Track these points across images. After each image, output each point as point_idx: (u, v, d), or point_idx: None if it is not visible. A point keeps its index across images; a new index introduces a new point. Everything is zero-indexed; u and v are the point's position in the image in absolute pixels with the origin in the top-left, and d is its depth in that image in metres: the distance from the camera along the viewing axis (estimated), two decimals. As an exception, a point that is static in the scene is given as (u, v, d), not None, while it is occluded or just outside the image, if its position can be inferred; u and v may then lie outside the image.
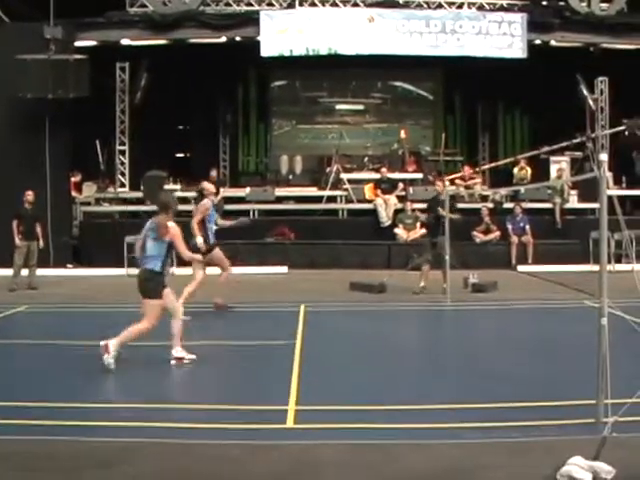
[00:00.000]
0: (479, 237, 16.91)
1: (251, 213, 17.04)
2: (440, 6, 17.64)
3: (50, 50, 15.56)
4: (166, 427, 5.31)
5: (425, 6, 17.62)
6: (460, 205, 15.38)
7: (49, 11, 15.37)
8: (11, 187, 14.59)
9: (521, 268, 16.00)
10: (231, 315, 10.61)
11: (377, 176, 18.37)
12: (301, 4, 17.47)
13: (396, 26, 17.34)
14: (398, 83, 23.20)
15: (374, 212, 17.58)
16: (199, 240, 10.11)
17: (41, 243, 13.81)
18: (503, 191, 17.74)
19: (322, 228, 17.23)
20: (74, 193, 17.85)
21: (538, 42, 17.65)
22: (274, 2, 17.42)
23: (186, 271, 10.27)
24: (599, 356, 5.16)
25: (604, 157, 5.48)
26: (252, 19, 17.16)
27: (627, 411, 4.96)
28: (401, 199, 17.70)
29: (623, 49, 17.52)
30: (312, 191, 18.79)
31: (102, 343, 7.09)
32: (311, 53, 17.57)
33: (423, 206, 15.01)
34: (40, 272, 13.91)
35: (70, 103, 15.66)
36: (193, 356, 7.44)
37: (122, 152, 18.49)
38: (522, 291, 12.83)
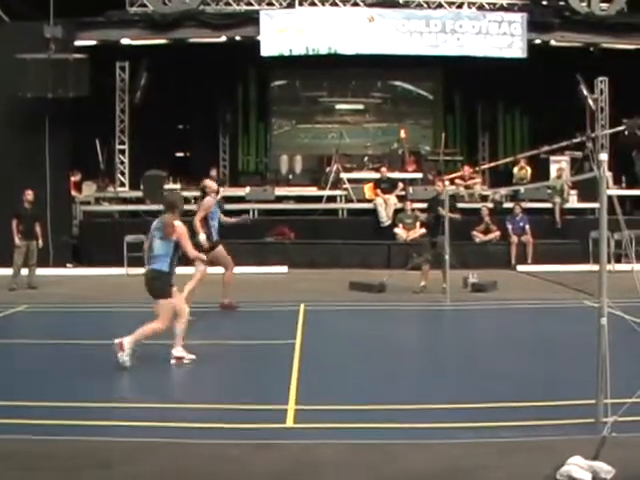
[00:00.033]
0: (479, 237, 16.92)
1: (251, 213, 17.02)
2: (440, 6, 17.63)
3: (50, 49, 15.56)
4: (166, 427, 5.31)
5: (425, 6, 17.61)
6: (460, 205, 15.37)
7: (49, 10, 15.37)
8: (11, 186, 14.57)
9: (521, 268, 16.00)
10: (231, 315, 10.61)
11: (377, 176, 18.37)
12: (301, 4, 17.46)
13: (396, 26, 17.34)
14: (398, 83, 23.20)
15: (374, 212, 17.58)
16: (202, 237, 10.11)
17: (40, 242, 13.80)
18: (503, 191, 17.74)
19: (322, 228, 17.23)
20: (74, 192, 17.85)
21: (538, 42, 17.65)
22: (274, 2, 17.41)
23: (188, 270, 10.25)
24: (599, 356, 5.16)
25: (604, 157, 5.48)
26: (252, 19, 17.16)
27: (627, 411, 4.97)
28: (401, 199, 17.70)
29: (623, 49, 17.52)
30: (312, 191, 18.79)
31: (116, 341, 7.08)
32: (311, 53, 17.57)
33: (423, 206, 15.01)
34: (40, 271, 13.91)
35: (70, 102, 15.65)
36: (193, 356, 7.44)
37: (122, 151, 18.48)
38: (522, 291, 12.83)
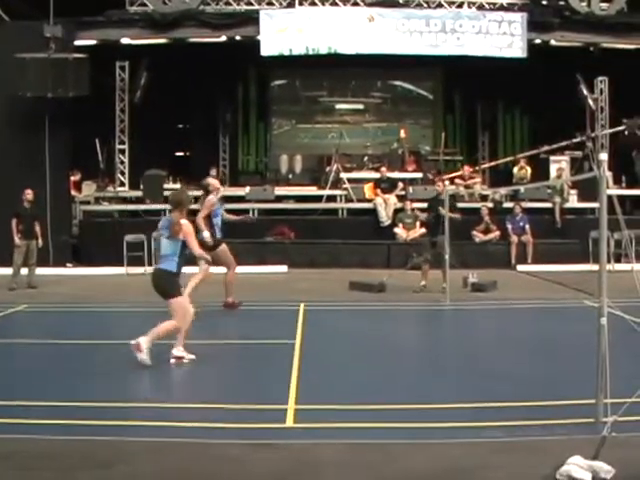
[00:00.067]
0: (479, 237, 16.91)
1: (251, 212, 17.03)
2: (440, 5, 17.62)
3: (50, 49, 15.56)
4: (166, 426, 5.31)
5: (425, 5, 17.60)
6: (460, 204, 15.37)
7: (49, 10, 15.36)
8: (11, 186, 14.57)
9: (521, 268, 16.00)
10: (231, 314, 10.62)
11: (377, 175, 18.37)
12: (301, 3, 17.45)
13: (396, 25, 17.34)
14: (398, 82, 23.19)
15: (374, 211, 17.58)
16: (205, 234, 10.12)
17: (40, 242, 13.80)
18: (503, 190, 17.74)
19: (322, 227, 17.23)
20: (74, 192, 17.86)
21: (538, 42, 17.65)
22: (274, 1, 17.40)
23: (191, 269, 10.26)
24: (598, 356, 5.16)
25: (604, 157, 5.48)
26: (252, 18, 17.16)
27: (626, 410, 4.96)
28: (401, 198, 17.70)
29: (623, 49, 17.51)
30: (312, 190, 18.80)
31: (133, 342, 7.11)
32: (311, 52, 17.57)
33: (423, 205, 15.01)
34: (40, 271, 13.91)
35: (70, 102, 15.65)
36: (192, 356, 7.44)
37: (122, 151, 18.48)
38: (522, 291, 12.83)
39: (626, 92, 17.53)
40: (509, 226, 16.79)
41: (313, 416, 5.59)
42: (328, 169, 18.80)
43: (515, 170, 18.72)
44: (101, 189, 18.60)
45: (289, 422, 5.48)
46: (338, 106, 23.08)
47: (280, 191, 18.39)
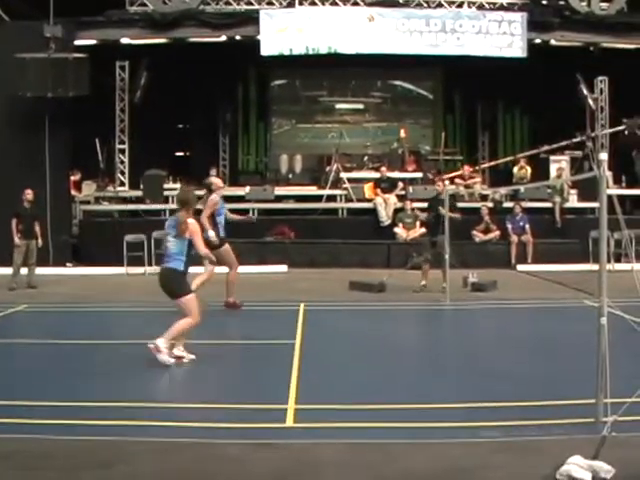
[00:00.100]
0: (479, 236, 16.91)
1: (251, 212, 17.03)
2: (440, 5, 17.62)
3: (50, 49, 15.55)
4: (166, 426, 5.31)
5: (425, 5, 17.59)
6: (460, 204, 15.37)
7: (49, 10, 15.36)
8: (11, 186, 14.56)
9: (521, 267, 16.00)
10: (231, 314, 10.62)
11: (377, 175, 18.37)
12: (301, 3, 17.45)
13: (396, 25, 17.34)
14: (398, 82, 23.18)
15: (374, 211, 17.58)
16: (211, 233, 10.13)
17: (40, 242, 13.80)
18: (503, 190, 17.74)
19: (322, 227, 17.23)
20: (74, 192, 17.86)
21: (538, 41, 17.64)
22: (274, 1, 17.40)
23: (196, 269, 10.26)
24: (598, 355, 5.16)
25: (604, 156, 5.48)
26: (252, 18, 17.15)
27: (626, 410, 4.97)
28: (401, 198, 17.70)
29: (623, 49, 17.51)
30: (312, 190, 18.80)
31: (150, 345, 7.14)
32: (311, 52, 17.56)
33: (423, 205, 15.01)
34: (39, 271, 13.90)
35: (70, 102, 15.65)
36: (193, 356, 7.45)
37: (122, 151, 18.47)
38: (522, 290, 12.83)
39: (626, 92, 17.53)
40: (509, 226, 16.79)
41: (313, 416, 5.59)
42: (328, 169, 18.80)
43: (515, 170, 18.71)
44: (101, 189, 18.59)
45: (289, 422, 5.48)
46: (338, 106, 23.08)
47: (280, 191, 18.39)
